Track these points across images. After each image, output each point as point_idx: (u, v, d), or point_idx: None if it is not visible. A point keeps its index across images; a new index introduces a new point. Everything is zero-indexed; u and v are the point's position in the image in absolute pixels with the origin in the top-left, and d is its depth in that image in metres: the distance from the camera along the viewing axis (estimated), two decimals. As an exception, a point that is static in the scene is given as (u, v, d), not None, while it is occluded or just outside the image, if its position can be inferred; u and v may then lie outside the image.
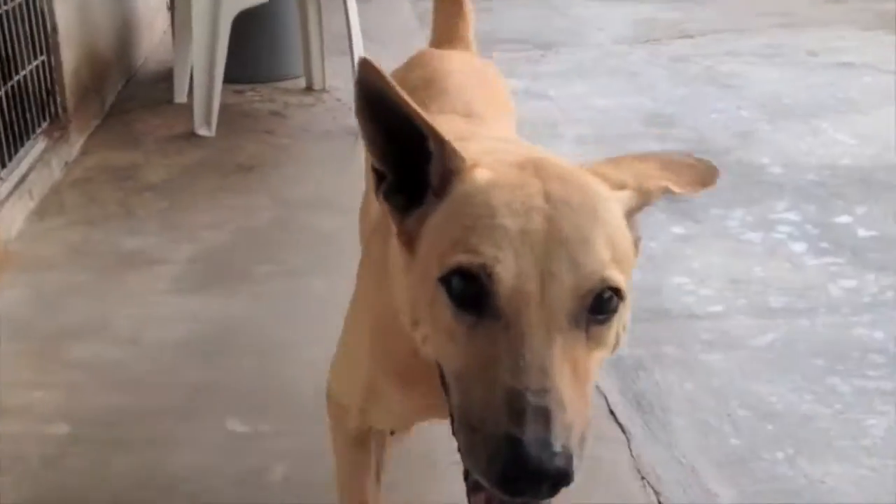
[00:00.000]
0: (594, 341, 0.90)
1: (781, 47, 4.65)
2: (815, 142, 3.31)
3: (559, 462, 0.81)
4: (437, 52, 1.75)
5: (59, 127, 3.02)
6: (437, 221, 0.95)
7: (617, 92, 4.01)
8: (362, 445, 1.35)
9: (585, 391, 0.88)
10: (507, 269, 0.86)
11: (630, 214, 0.96)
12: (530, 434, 0.81)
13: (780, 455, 1.77)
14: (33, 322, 2.20)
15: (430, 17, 5.10)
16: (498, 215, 0.89)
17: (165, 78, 3.79)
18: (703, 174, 1.03)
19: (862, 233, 2.61)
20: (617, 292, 0.89)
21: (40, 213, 2.74)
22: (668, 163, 1.04)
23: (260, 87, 3.88)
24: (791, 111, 3.63)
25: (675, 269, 2.46)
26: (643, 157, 1.04)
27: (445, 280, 0.89)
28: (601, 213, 0.91)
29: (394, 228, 1.00)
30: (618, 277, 0.89)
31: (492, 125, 1.41)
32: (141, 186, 2.90)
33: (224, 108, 3.43)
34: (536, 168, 0.95)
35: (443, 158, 0.95)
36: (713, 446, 1.79)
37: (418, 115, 0.93)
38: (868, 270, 2.42)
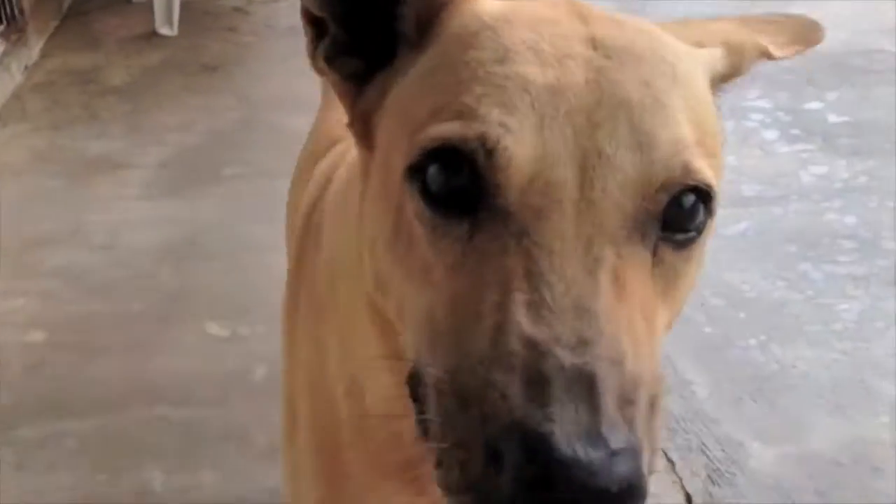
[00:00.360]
0: (665, 279, 0.56)
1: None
2: None
3: (621, 469, 0.45)
4: None
5: (16, 29, 2.93)
6: (411, 84, 0.61)
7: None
8: None
9: (654, 348, 0.54)
10: (524, 144, 0.52)
11: (716, 83, 0.67)
12: (566, 421, 0.45)
13: (752, 342, 1.81)
14: (3, 230, 2.17)
15: None
16: (513, 60, 0.55)
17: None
18: (805, 31, 0.76)
19: (833, 118, 2.61)
20: (706, 196, 0.58)
21: (2, 118, 2.67)
22: (752, 22, 0.73)
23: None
24: (763, -4, 3.59)
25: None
26: (717, 20, 0.73)
27: (417, 170, 0.56)
28: (680, 72, 0.59)
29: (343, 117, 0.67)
30: (707, 171, 0.58)
31: None
32: (104, 89, 2.83)
33: (185, 5, 3.32)
34: (575, 7, 0.62)
35: None
36: (687, 335, 1.82)
37: None
38: (839, 156, 2.43)
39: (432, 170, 0.55)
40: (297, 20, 2.75)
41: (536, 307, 0.49)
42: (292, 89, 2.80)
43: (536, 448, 0.44)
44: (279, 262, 1.98)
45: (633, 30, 0.61)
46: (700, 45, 0.67)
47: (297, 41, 3.07)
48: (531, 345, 0.48)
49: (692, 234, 0.57)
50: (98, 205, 2.27)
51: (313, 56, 0.68)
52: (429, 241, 0.55)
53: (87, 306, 1.91)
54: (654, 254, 0.56)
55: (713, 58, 0.66)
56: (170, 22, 3.23)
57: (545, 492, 0.43)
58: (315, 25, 0.66)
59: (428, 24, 0.62)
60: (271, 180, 2.33)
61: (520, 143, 0.53)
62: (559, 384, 0.46)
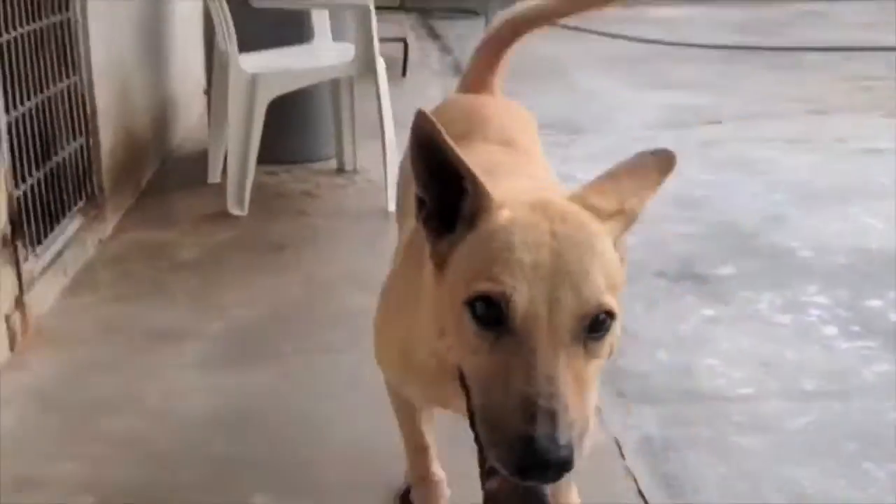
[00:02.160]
0: (591, 354, 1.06)
1: (810, 134, 4.67)
2: (844, 226, 3.30)
3: (563, 453, 0.98)
4: (468, 95, 1.91)
5: (94, 206, 3.08)
6: (465, 249, 1.12)
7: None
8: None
9: (585, 396, 1.04)
10: (522, 296, 1.03)
11: (617, 239, 1.13)
12: (541, 432, 0.98)
13: (814, 541, 1.73)
14: (62, 395, 2.21)
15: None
16: (516, 251, 1.06)
17: (200, 159, 3.86)
18: (662, 166, 1.19)
19: (894, 317, 2.58)
20: (610, 314, 1.06)
21: (73, 289, 2.77)
22: (634, 171, 1.18)
23: (293, 168, 3.95)
24: (820, 196, 3.63)
25: (705, 351, 2.44)
26: (616, 175, 1.18)
27: (470, 303, 1.06)
28: (597, 248, 1.08)
29: (427, 249, 1.18)
30: (611, 302, 1.06)
31: (527, 151, 1.66)
32: (174, 264, 2.94)
33: (257, 188, 3.49)
34: (545, 209, 1.11)
35: (476, 196, 1.12)
36: (746, 531, 1.75)
37: (460, 160, 1.12)
38: (902, 355, 2.38)
39: (478, 304, 1.06)
40: (362, 206, 2.96)
41: (528, 378, 1.01)
42: (356, 269, 2.88)
43: (529, 443, 0.97)
44: (332, 438, 2.00)
45: (574, 224, 1.09)
46: (611, 213, 1.13)
47: (362, 225, 3.22)
48: (525, 396, 1.00)
49: (603, 332, 1.07)
50: (156, 373, 2.32)
51: (418, 217, 1.17)
52: (475, 335, 1.07)
53: (137, 473, 1.91)
54: (585, 345, 1.05)
55: (615, 227, 1.13)
56: (241, 203, 3.38)
57: (532, 461, 0.97)
58: (419, 201, 1.16)
59: (476, 215, 1.12)
60: (330, 356, 2.37)
61: (521, 296, 1.03)
62: (539, 415, 0.98)
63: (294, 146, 4.03)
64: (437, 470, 1.72)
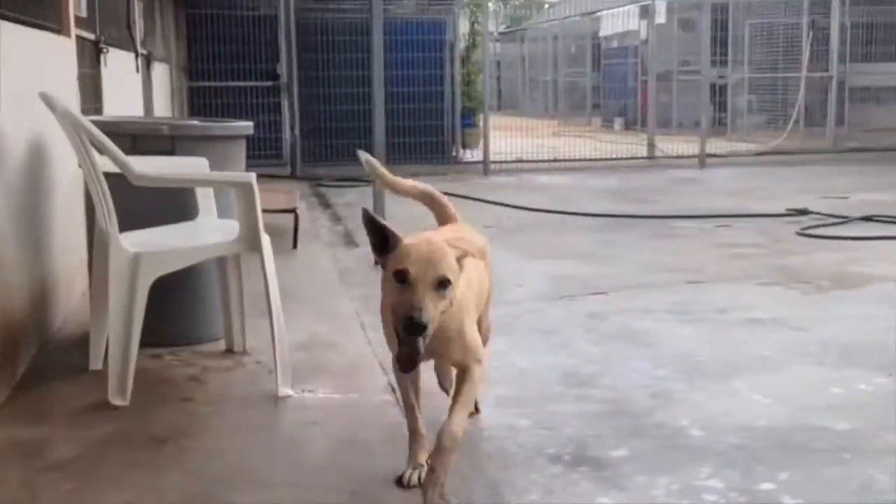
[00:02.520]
0: (440, 298, 2.33)
1: (690, 304, 4.83)
2: (731, 402, 3.37)
3: (422, 322, 2.26)
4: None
5: (-37, 400, 2.90)
6: (391, 258, 2.39)
7: (536, 350, 4.08)
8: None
9: (437, 314, 2.32)
10: (412, 269, 2.32)
11: (458, 258, 2.40)
12: (414, 315, 2.26)
13: None
14: None
15: (350, 276, 5.11)
16: (412, 251, 2.35)
17: (83, 343, 3.71)
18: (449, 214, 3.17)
19: (787, 500, 2.60)
20: (447, 281, 2.33)
21: (-64, 496, 2.57)
22: (453, 227, 3.06)
23: (179, 351, 3.84)
24: (705, 370, 3.72)
25: (604, 544, 2.40)
26: (446, 231, 2.89)
27: (394, 274, 2.34)
28: (447, 255, 2.37)
29: (380, 263, 2.44)
30: (449, 276, 2.34)
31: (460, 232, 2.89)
32: (48, 465, 2.75)
33: (141, 373, 3.35)
34: (428, 240, 2.42)
35: (394, 238, 2.41)
36: None
37: (382, 225, 2.42)
38: (796, 541, 2.39)
39: (396, 274, 2.35)
40: (250, 390, 2.94)
41: (412, 300, 2.31)
42: (245, 465, 2.76)
43: (409, 320, 2.29)
44: None
45: (438, 246, 2.40)
46: (454, 249, 2.43)
47: (250, 412, 3.14)
48: (411, 304, 2.30)
49: (444, 289, 2.35)
50: None
51: (374, 251, 2.45)
52: (394, 289, 2.37)
53: None
54: (437, 293, 2.34)
55: (456, 254, 2.41)
56: (123, 392, 3.23)
57: (411, 327, 2.29)
58: (374, 246, 2.44)
59: (394, 245, 2.41)
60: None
61: (412, 268, 2.34)
62: (413, 312, 2.30)
63: (180, 327, 3.93)
64: (422, 427, 2.69)
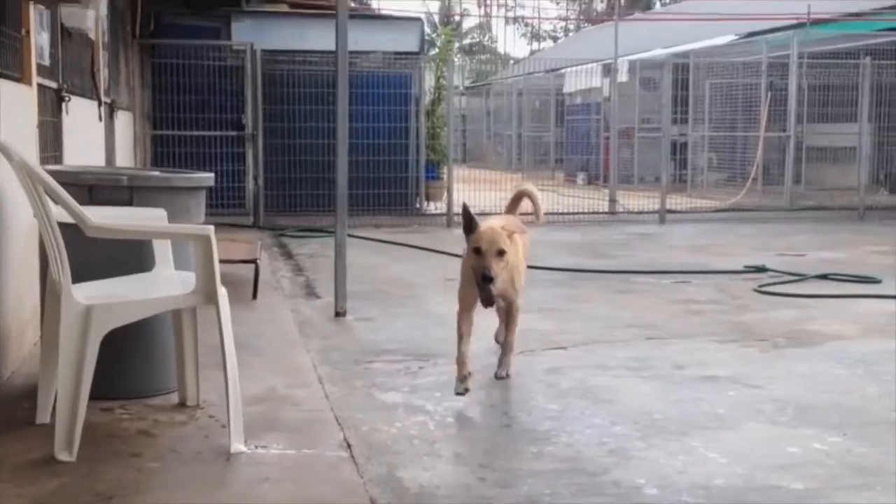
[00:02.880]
0: (502, 261, 3.99)
1: (648, 359, 4.84)
2: (687, 460, 3.36)
3: (489, 276, 3.92)
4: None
5: None
6: (471, 237, 4.04)
7: (493, 406, 4.06)
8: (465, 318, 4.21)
9: (500, 271, 3.99)
10: (483, 246, 3.98)
11: (509, 236, 4.07)
12: (485, 272, 3.93)
13: None
14: None
15: (309, 328, 5.12)
16: (483, 234, 4.01)
17: (31, 395, 3.63)
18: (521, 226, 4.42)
19: (740, 561, 2.59)
20: (504, 252, 3.98)
21: None
22: (507, 217, 4.64)
23: (129, 404, 3.77)
24: (662, 428, 3.72)
25: None
26: (505, 219, 4.51)
27: (474, 249, 4.00)
28: (503, 235, 4.03)
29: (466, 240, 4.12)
30: (505, 248, 3.99)
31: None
32: (-12, 525, 2.68)
33: (89, 427, 3.28)
34: (491, 225, 4.08)
35: (473, 223, 4.06)
36: None
37: (473, 217, 4.09)
38: None
39: (475, 249, 4.04)
40: (202, 445, 2.86)
41: (484, 264, 3.99)
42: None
43: (484, 274, 3.96)
44: None
45: (497, 230, 4.09)
46: (507, 230, 4.16)
47: (201, 468, 3.09)
48: (484, 266, 3.99)
49: (503, 256, 4.02)
50: None
51: (465, 233, 4.15)
52: (473, 256, 4.05)
53: None
54: (499, 258, 4.02)
55: (509, 233, 4.17)
56: (69, 447, 3.16)
57: (483, 278, 3.98)
58: (465, 230, 4.14)
59: (475, 227, 4.09)
60: None
61: (483, 245, 4.03)
62: (485, 271, 3.98)
63: (132, 380, 3.87)
64: (467, 351, 4.11)
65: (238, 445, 3.30)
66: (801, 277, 7.51)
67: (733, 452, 3.43)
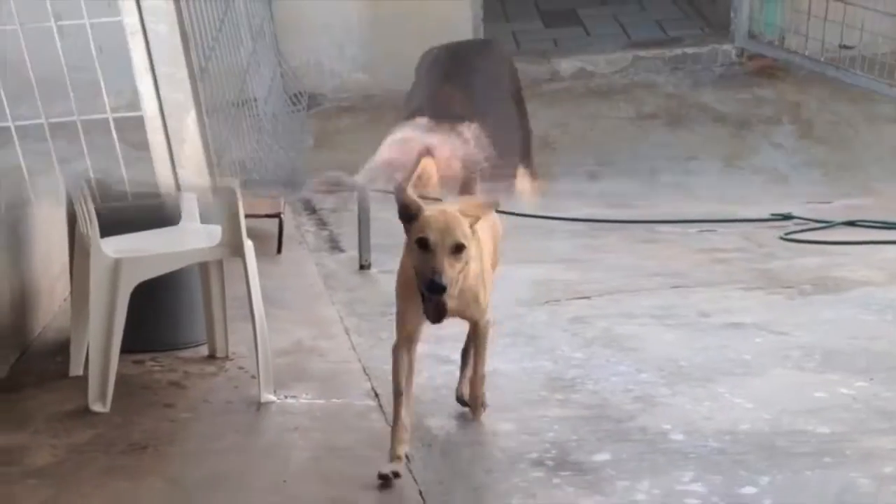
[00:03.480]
0: (456, 260, 2.62)
1: (673, 308, 4.83)
2: (713, 406, 3.37)
3: (441, 284, 2.55)
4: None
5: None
6: (414, 226, 2.66)
7: (519, 355, 4.07)
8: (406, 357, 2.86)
9: (456, 276, 2.63)
10: (432, 236, 2.60)
11: (471, 225, 2.69)
12: (434, 278, 2.56)
13: None
14: None
15: (334, 281, 5.10)
16: (431, 221, 2.63)
17: (63, 349, 3.69)
18: (489, 206, 2.93)
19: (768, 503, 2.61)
20: (462, 246, 2.62)
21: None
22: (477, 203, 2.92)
23: (160, 356, 3.82)
24: (688, 375, 3.72)
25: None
26: (470, 200, 2.98)
27: (417, 242, 2.62)
28: (461, 221, 2.65)
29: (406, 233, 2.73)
30: (464, 241, 2.62)
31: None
32: (25, 472, 2.74)
33: (121, 379, 3.34)
34: (443, 209, 2.71)
35: (413, 205, 2.69)
36: None
37: (411, 198, 2.72)
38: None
39: (418, 241, 2.65)
40: (233, 395, 2.89)
41: (434, 264, 2.60)
42: (225, 471, 2.76)
43: (430, 281, 2.58)
44: None
45: (452, 215, 2.68)
46: (466, 214, 2.73)
47: (232, 418, 3.11)
48: (432, 268, 2.60)
49: (461, 253, 2.64)
50: None
51: (401, 220, 2.74)
52: (417, 253, 2.65)
53: None
54: (454, 257, 2.63)
55: (470, 220, 2.71)
56: (103, 398, 3.22)
57: (431, 287, 2.59)
58: (402, 218, 2.73)
59: (418, 215, 2.69)
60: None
61: (432, 236, 2.64)
62: (434, 275, 2.59)
63: (162, 332, 3.91)
64: (406, 418, 2.81)
65: (268, 395, 3.35)
66: (828, 224, 7.44)
67: (759, 398, 3.44)
